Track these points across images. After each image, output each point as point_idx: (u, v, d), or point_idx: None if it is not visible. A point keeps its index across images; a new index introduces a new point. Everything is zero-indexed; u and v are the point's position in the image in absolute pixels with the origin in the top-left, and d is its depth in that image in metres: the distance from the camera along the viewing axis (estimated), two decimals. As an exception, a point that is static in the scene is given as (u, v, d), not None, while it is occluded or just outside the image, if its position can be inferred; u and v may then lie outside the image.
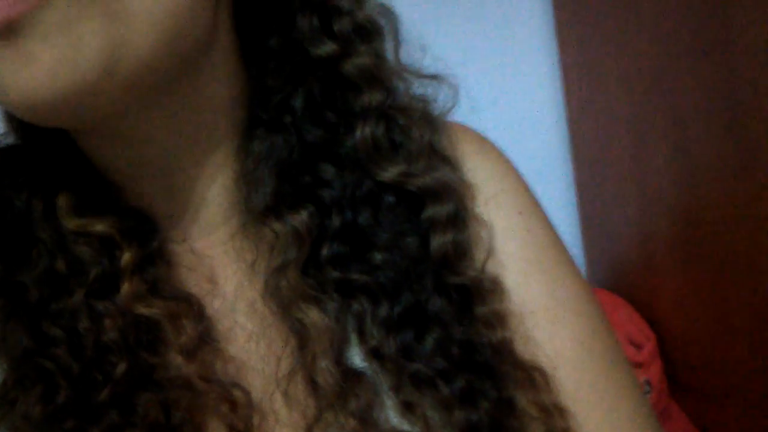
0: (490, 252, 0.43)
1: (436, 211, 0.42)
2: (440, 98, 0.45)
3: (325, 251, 0.41)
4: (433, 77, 0.45)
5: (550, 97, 1.21)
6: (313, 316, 0.39)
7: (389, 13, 0.44)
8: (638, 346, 1.08)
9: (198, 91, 0.39)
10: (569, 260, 0.46)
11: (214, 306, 0.41)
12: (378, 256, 0.41)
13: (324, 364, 0.38)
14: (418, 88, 0.45)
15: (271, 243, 0.41)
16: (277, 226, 0.40)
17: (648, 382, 1.05)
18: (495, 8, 1.16)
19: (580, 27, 1.09)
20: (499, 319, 0.41)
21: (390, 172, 0.42)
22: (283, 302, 0.40)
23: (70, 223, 0.39)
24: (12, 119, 0.43)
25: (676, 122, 0.85)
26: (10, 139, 0.43)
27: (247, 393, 0.39)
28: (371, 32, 0.43)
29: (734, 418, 0.93)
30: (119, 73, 0.33)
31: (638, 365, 1.07)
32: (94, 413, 0.36)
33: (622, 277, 1.14)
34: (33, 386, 0.36)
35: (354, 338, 0.40)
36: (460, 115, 0.47)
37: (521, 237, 0.44)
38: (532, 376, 0.41)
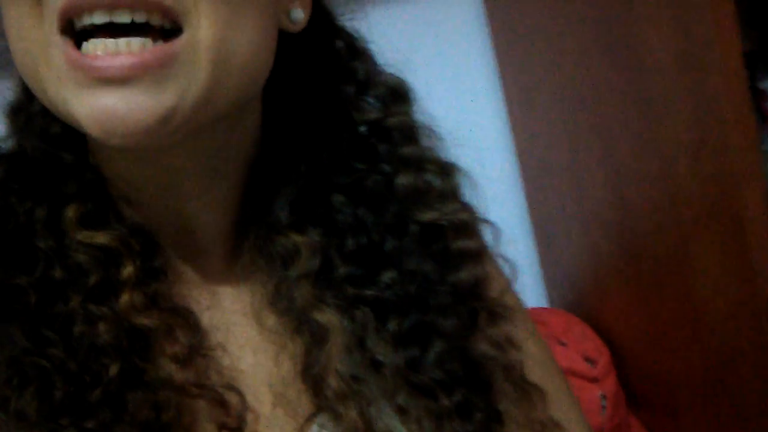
0: (507, 282, 0.49)
1: (465, 244, 0.46)
2: None
3: (341, 269, 0.43)
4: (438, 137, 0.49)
5: (495, 121, 1.24)
6: (331, 318, 0.41)
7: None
8: (593, 362, 1.09)
9: (243, 120, 0.42)
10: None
11: (213, 318, 0.43)
12: (392, 276, 0.44)
13: (336, 365, 0.41)
14: None
15: (282, 256, 0.43)
16: (299, 239, 0.43)
17: (604, 396, 1.06)
18: (436, 38, 1.19)
19: (517, 54, 1.13)
20: (510, 342, 0.45)
21: (430, 215, 0.45)
22: (299, 307, 0.42)
23: (78, 234, 0.40)
24: (14, 122, 0.43)
25: (602, 135, 0.89)
26: (9, 144, 0.44)
27: (241, 395, 0.40)
28: (403, 96, 0.47)
29: (685, 428, 0.94)
30: (201, 114, 0.35)
31: (594, 380, 1.08)
32: (87, 411, 0.37)
33: (576, 296, 1.16)
34: (28, 384, 0.37)
35: (354, 346, 0.42)
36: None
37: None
38: (531, 394, 0.45)
